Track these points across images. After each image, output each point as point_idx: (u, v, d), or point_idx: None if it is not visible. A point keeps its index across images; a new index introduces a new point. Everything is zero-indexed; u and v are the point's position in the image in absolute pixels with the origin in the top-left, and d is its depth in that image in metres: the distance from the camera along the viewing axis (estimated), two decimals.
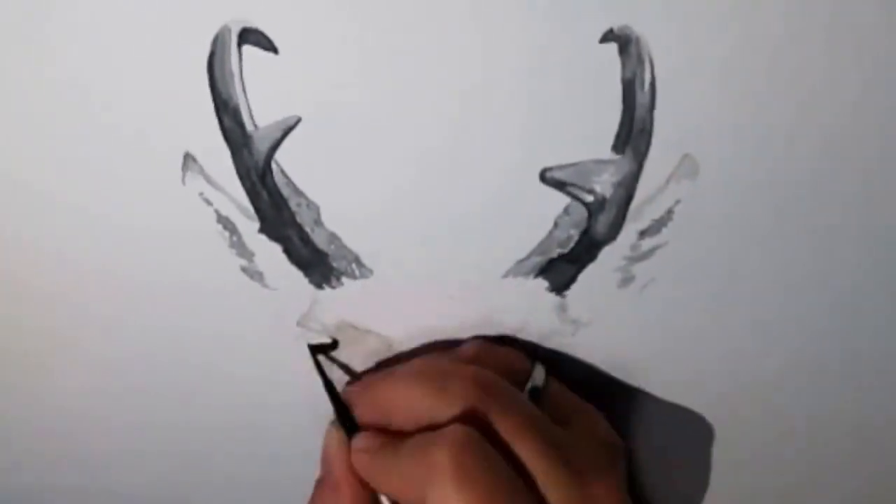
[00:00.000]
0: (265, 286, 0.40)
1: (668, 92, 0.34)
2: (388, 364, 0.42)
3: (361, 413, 0.37)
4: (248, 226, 0.38)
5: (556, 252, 0.38)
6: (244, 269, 0.39)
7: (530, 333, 0.41)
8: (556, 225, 0.37)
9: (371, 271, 0.39)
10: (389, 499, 0.34)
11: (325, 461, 0.37)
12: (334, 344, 0.42)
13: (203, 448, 0.46)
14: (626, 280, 0.39)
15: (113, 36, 0.34)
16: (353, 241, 0.38)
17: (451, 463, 0.30)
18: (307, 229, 0.38)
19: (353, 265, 0.39)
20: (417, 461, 0.31)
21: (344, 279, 0.39)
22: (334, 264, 0.39)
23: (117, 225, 0.38)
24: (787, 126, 0.35)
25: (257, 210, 0.37)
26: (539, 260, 0.38)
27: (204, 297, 0.40)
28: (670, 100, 0.34)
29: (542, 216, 0.37)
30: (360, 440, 0.35)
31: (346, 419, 0.37)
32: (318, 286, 0.40)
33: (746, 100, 0.35)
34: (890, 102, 0.34)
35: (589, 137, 0.35)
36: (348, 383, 0.42)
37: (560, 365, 0.40)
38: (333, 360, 0.42)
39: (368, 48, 0.34)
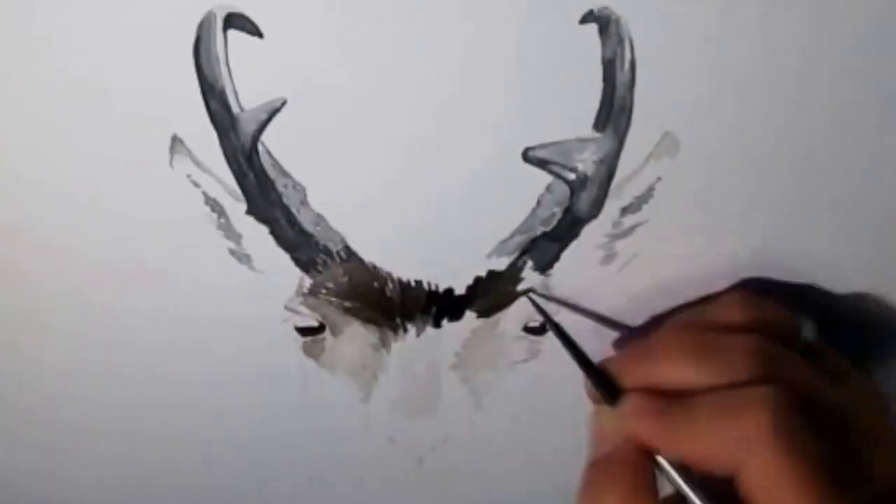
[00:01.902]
0: (252, 269, 0.40)
1: (648, 71, 0.35)
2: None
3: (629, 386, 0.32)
4: (236, 207, 0.38)
5: (539, 230, 0.39)
6: (232, 252, 0.39)
7: (514, 312, 0.41)
8: (538, 203, 0.38)
9: (356, 253, 0.39)
10: (678, 464, 0.30)
11: (601, 437, 0.32)
12: (321, 327, 0.42)
13: (190, 431, 0.46)
14: (609, 257, 0.39)
15: (99, 21, 0.34)
16: (339, 222, 0.39)
17: (776, 426, 0.27)
18: (293, 210, 0.38)
19: (340, 247, 0.39)
20: (725, 423, 0.28)
21: (330, 262, 0.40)
22: (320, 246, 0.39)
23: (104, 209, 0.38)
24: (766, 102, 0.35)
25: (244, 191, 0.37)
26: (522, 238, 0.39)
27: (191, 280, 0.40)
28: (650, 78, 0.35)
29: (526, 195, 0.38)
30: (633, 402, 0.31)
31: (609, 391, 0.33)
32: (305, 269, 0.40)
33: (726, 77, 0.35)
34: (873, 79, 0.35)
35: (570, 116, 0.36)
36: (615, 352, 0.38)
37: None
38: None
39: (352, 31, 0.34)
